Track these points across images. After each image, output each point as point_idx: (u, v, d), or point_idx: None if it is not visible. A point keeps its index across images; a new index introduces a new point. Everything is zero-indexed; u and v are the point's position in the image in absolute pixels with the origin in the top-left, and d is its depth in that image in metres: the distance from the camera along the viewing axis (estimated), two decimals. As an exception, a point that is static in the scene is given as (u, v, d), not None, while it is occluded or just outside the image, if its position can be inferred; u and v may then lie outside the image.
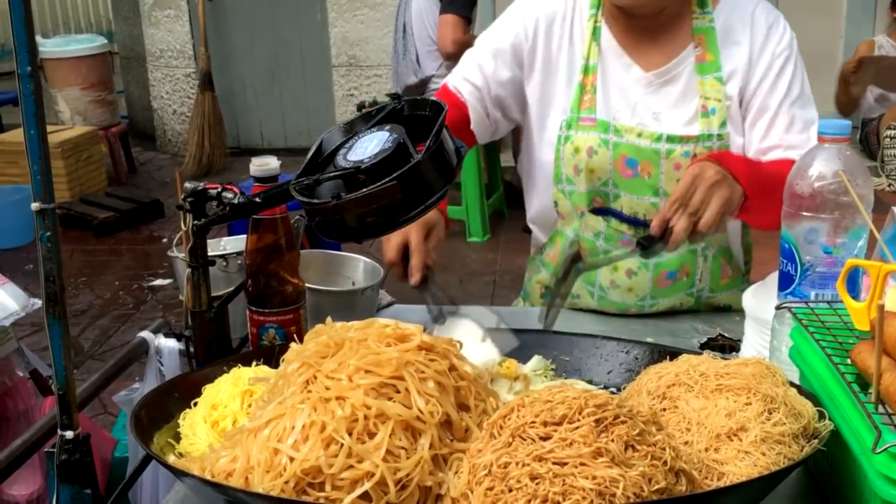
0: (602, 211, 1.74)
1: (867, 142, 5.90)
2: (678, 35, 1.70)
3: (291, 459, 0.92)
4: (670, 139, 1.67)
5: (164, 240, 5.59)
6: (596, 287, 1.77)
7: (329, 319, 1.13)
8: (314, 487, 0.92)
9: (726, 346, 1.62)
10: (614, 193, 1.71)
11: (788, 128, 1.68)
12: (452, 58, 4.65)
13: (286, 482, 0.91)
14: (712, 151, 1.65)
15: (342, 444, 0.92)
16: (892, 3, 5.80)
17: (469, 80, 1.77)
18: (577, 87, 1.72)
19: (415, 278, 1.53)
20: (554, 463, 0.87)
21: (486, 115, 1.79)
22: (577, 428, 0.89)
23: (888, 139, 5.61)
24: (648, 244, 1.46)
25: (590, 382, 1.41)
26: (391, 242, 1.56)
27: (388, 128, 1.22)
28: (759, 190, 1.53)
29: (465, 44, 4.63)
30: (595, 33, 1.72)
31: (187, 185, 1.40)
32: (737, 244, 1.82)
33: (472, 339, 1.37)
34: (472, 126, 1.78)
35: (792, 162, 1.57)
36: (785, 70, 1.69)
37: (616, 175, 1.70)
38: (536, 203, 1.86)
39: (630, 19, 1.70)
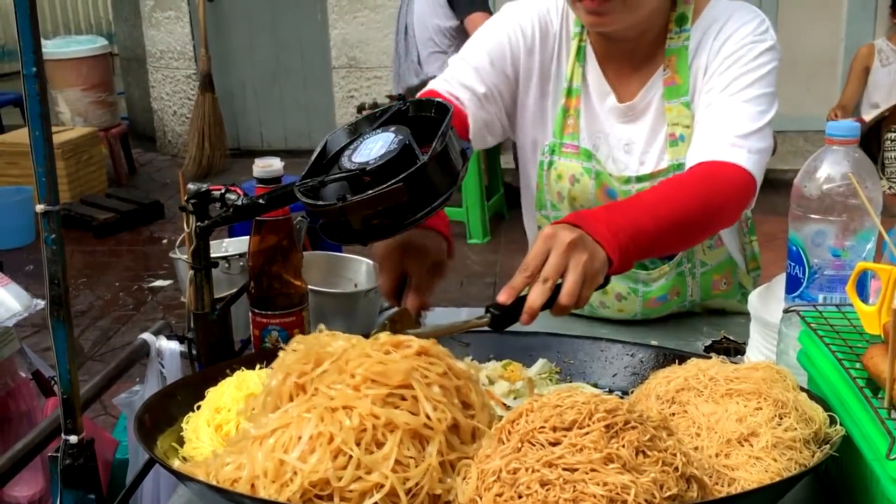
0: None
1: (867, 145, 5.90)
2: (654, 61, 1.61)
3: (298, 471, 0.91)
4: (639, 179, 1.61)
5: (165, 241, 5.59)
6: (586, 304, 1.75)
7: (322, 327, 1.11)
8: (322, 499, 0.91)
9: (731, 349, 1.61)
10: None
11: (731, 117, 1.50)
12: None
13: (293, 493, 0.90)
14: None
15: (350, 456, 0.91)
16: (893, 7, 5.80)
17: (468, 86, 1.63)
18: (560, 110, 1.66)
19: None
20: (564, 469, 0.86)
21: (485, 124, 1.66)
22: (587, 433, 0.88)
23: (888, 142, 5.61)
24: (499, 312, 1.22)
25: (595, 386, 1.40)
26: (389, 278, 1.39)
27: (393, 129, 1.21)
28: (638, 235, 1.31)
29: None
30: (579, 54, 1.64)
31: (190, 186, 1.39)
32: (737, 253, 1.77)
33: None
34: (469, 135, 1.64)
35: (723, 165, 1.45)
36: (740, 60, 1.52)
37: (598, 204, 1.62)
38: (527, 216, 1.82)
39: (611, 43, 1.62)
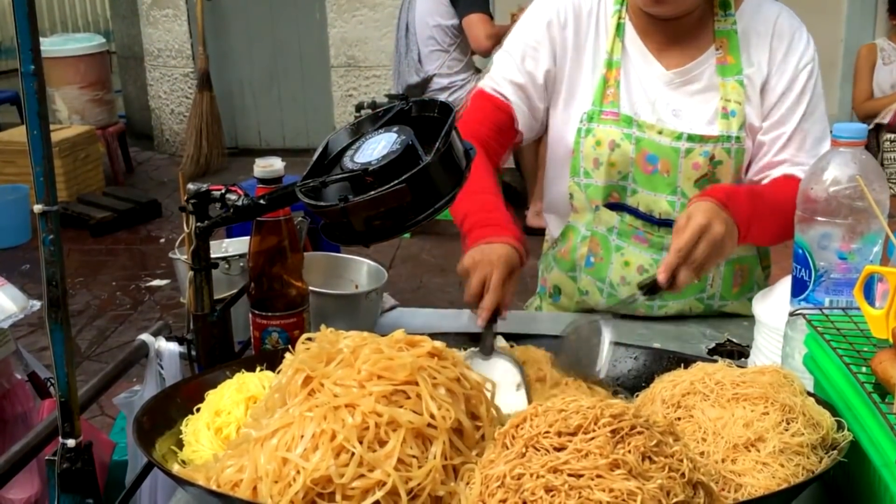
0: (617, 206, 1.73)
1: (867, 145, 5.90)
2: (700, 37, 1.71)
3: (301, 469, 0.90)
4: (690, 138, 1.67)
5: (162, 240, 5.57)
6: (606, 284, 1.76)
7: (323, 326, 1.10)
8: (324, 498, 0.90)
9: (735, 352, 1.60)
10: (632, 189, 1.71)
11: (801, 145, 1.69)
12: (490, 53, 4.75)
13: (295, 493, 0.89)
14: (729, 155, 1.67)
15: (353, 453, 0.90)
16: (890, 8, 5.78)
17: (510, 79, 1.76)
18: (600, 80, 1.72)
19: (482, 317, 1.43)
20: (569, 475, 0.85)
21: (533, 111, 1.78)
22: (592, 439, 0.87)
23: (888, 143, 5.60)
24: (651, 290, 1.44)
25: (598, 389, 1.38)
26: (476, 276, 1.47)
27: (395, 129, 1.20)
28: (758, 224, 1.55)
29: (497, 35, 4.77)
30: (619, 29, 1.73)
31: (190, 186, 1.37)
32: (752, 248, 1.80)
33: (507, 384, 1.31)
34: (519, 126, 1.78)
35: (794, 179, 1.60)
36: (808, 87, 1.70)
37: (636, 170, 1.70)
38: (554, 191, 1.85)
39: (653, 21, 1.70)
